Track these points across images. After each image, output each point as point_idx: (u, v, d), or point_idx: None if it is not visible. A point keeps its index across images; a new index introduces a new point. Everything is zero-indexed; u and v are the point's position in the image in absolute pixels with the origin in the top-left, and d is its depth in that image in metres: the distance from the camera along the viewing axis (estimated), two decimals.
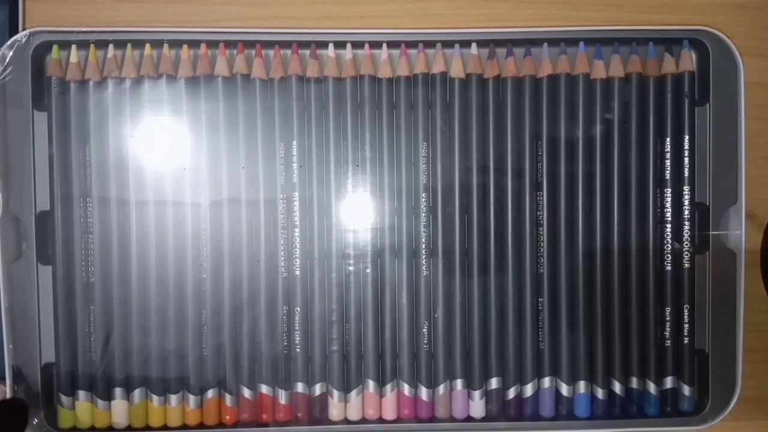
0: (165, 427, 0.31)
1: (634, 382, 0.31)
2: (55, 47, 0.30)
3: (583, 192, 0.31)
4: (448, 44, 0.31)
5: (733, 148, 0.31)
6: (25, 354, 0.30)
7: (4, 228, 0.29)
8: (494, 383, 0.31)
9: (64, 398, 0.31)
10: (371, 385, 0.31)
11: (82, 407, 0.31)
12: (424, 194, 0.30)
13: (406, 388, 0.31)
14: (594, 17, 0.32)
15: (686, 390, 0.31)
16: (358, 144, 0.30)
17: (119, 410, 0.31)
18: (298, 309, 0.31)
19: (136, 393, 0.31)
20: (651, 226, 0.31)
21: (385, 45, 0.30)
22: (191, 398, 0.31)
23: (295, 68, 0.30)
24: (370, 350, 0.31)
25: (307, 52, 0.30)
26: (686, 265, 0.31)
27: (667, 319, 0.31)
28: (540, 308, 0.31)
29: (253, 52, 0.30)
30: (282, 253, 0.30)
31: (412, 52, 0.31)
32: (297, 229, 0.30)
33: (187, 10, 0.32)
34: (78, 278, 0.30)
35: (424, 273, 0.31)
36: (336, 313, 0.31)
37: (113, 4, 0.31)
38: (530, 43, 0.31)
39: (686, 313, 0.31)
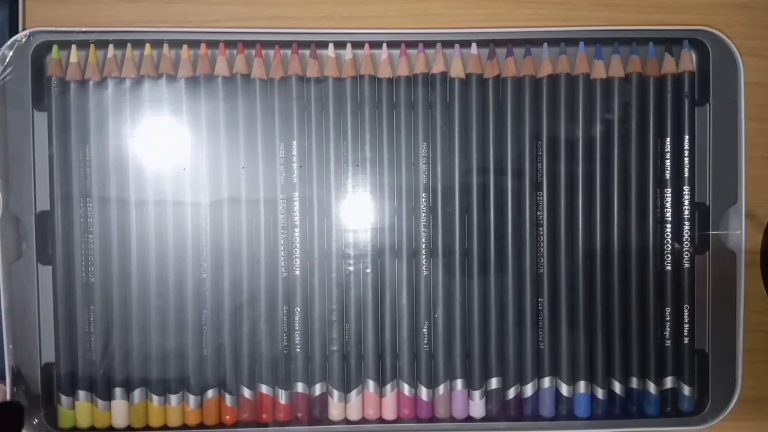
0: (165, 427, 0.31)
1: (634, 382, 0.31)
2: (55, 47, 0.30)
3: (583, 192, 0.31)
4: (448, 44, 0.31)
5: (733, 148, 0.31)
6: (25, 354, 0.30)
7: (4, 228, 0.29)
8: (494, 383, 0.31)
9: (64, 398, 0.31)
10: (371, 385, 0.31)
11: (82, 407, 0.31)
12: (424, 194, 0.30)
13: (406, 388, 0.31)
14: (594, 17, 0.32)
15: (686, 390, 0.31)
16: (358, 144, 0.30)
17: (119, 410, 0.31)
18: (298, 309, 0.31)
19: (136, 393, 0.31)
20: (651, 226, 0.31)
21: (385, 45, 0.30)
22: (191, 398, 0.31)
23: (295, 68, 0.30)
24: (370, 350, 0.31)
25: (307, 52, 0.30)
26: (686, 265, 0.31)
27: (667, 319, 0.31)
28: (540, 308, 0.31)
29: (253, 52, 0.30)
30: (282, 253, 0.30)
31: (412, 52, 0.31)
32: (297, 229, 0.30)
33: (187, 10, 0.32)
34: (78, 278, 0.30)
35: (424, 273, 0.31)
36: (336, 313, 0.31)
37: (113, 4, 0.31)
38: (530, 43, 0.31)
39: (686, 313, 0.31)
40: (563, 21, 0.32)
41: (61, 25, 0.30)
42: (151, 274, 0.30)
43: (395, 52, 0.31)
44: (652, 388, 0.31)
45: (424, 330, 0.31)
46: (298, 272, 0.30)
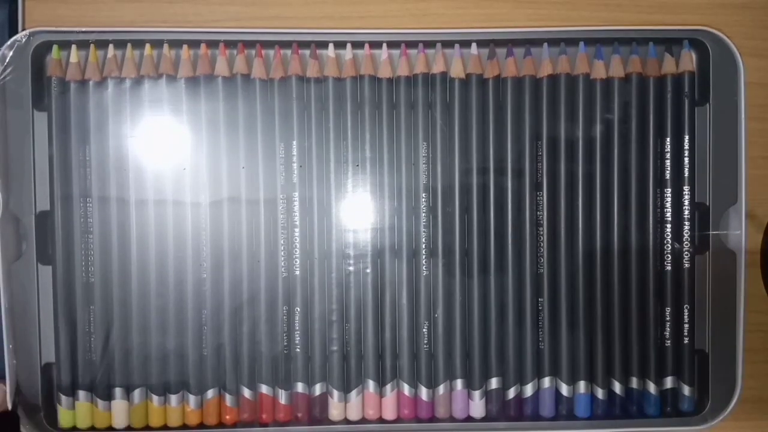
0: (165, 427, 0.31)
1: (634, 382, 0.31)
2: (55, 47, 0.30)
3: (583, 192, 0.31)
4: (448, 44, 0.31)
5: (733, 148, 0.31)
6: (25, 354, 0.30)
7: (4, 228, 0.29)
8: (494, 383, 0.31)
9: (64, 398, 0.31)
10: (371, 385, 0.31)
11: (82, 407, 0.31)
12: (424, 194, 0.30)
13: (406, 388, 0.31)
14: (594, 17, 0.32)
15: (686, 390, 0.31)
16: (358, 144, 0.30)
17: (119, 410, 0.31)
18: (298, 309, 0.31)
19: (136, 393, 0.31)
20: (651, 226, 0.31)
21: (385, 45, 0.30)
22: (191, 398, 0.31)
23: (295, 68, 0.30)
24: (370, 350, 0.31)
25: (307, 52, 0.30)
26: (686, 265, 0.31)
27: (667, 319, 0.31)
28: (540, 308, 0.31)
29: (253, 52, 0.30)
30: (282, 253, 0.30)
31: (412, 52, 0.31)
32: (297, 229, 0.30)
33: (187, 10, 0.32)
34: (78, 278, 0.30)
35: (424, 273, 0.31)
36: (336, 313, 0.31)
37: (113, 4, 0.31)
38: (530, 43, 0.31)
39: (686, 313, 0.31)
40: (563, 21, 0.32)
41: (61, 25, 0.30)
42: (151, 274, 0.30)
43: (395, 52, 0.31)
44: (652, 388, 0.31)
45: (424, 330, 0.31)
46: (298, 272, 0.30)
